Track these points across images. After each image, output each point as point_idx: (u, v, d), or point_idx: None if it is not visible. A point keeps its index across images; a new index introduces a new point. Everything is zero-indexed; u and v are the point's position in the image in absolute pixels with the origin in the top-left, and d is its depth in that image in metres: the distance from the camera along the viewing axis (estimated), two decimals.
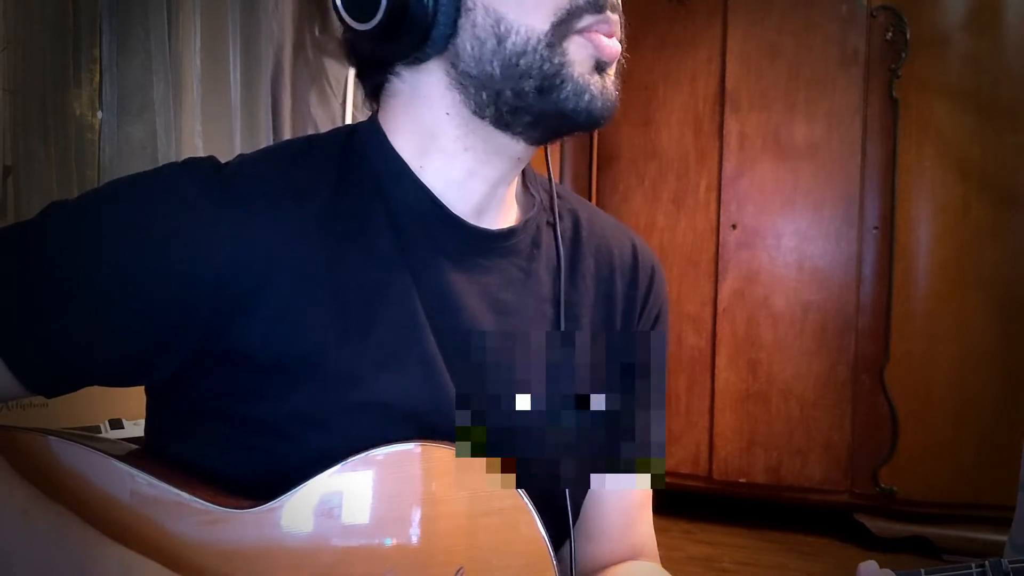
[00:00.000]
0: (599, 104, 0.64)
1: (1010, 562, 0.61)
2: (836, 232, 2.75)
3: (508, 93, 0.64)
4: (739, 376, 2.85)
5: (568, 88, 0.63)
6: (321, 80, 2.78)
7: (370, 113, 0.73)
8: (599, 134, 3.05)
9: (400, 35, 0.64)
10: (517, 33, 0.63)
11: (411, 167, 0.69)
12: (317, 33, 2.72)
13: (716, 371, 2.88)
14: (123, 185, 0.65)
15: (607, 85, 0.65)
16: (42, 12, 2.07)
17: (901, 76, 2.63)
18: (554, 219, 0.75)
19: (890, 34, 2.65)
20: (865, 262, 2.72)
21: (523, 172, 0.77)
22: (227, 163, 0.66)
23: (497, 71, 0.64)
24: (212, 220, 0.61)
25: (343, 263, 0.64)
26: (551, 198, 0.77)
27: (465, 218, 0.70)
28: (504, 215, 0.73)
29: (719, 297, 2.86)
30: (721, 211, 2.86)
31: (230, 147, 2.48)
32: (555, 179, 0.78)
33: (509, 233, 0.72)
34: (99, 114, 2.27)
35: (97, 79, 2.26)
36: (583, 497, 0.77)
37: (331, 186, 0.66)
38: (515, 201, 0.75)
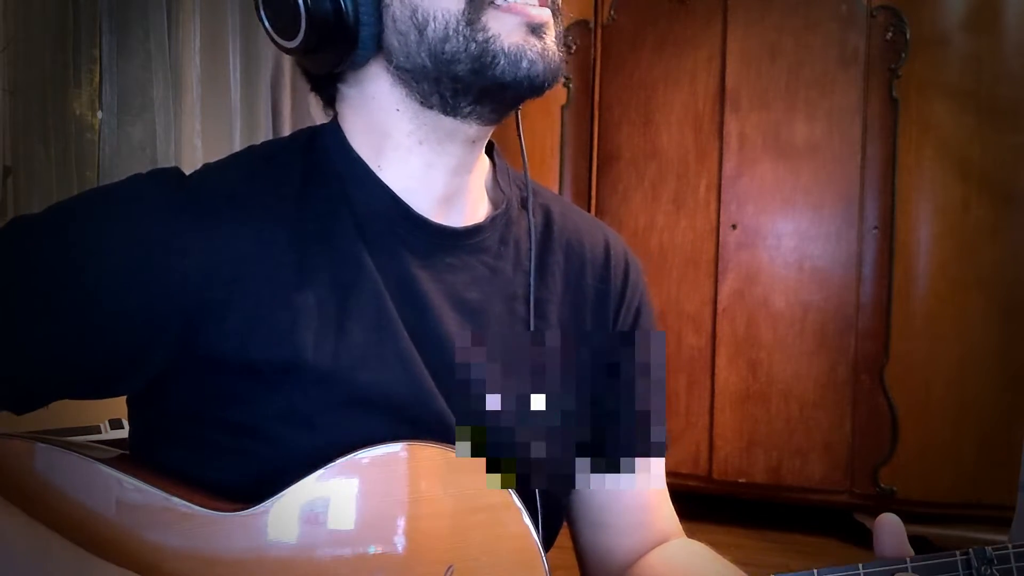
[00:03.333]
0: (540, 67, 0.63)
1: (994, 548, 0.62)
2: (836, 232, 2.74)
3: (446, 80, 0.64)
4: (739, 376, 2.85)
5: (501, 61, 0.62)
6: None
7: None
8: (599, 134, 3.04)
9: (329, 45, 0.64)
10: (435, 19, 0.62)
11: (371, 167, 0.69)
12: None
13: (716, 371, 2.87)
14: (88, 198, 0.65)
15: (547, 46, 0.64)
16: (42, 12, 2.07)
17: (901, 76, 2.63)
18: (529, 216, 0.75)
19: (890, 34, 2.65)
20: (865, 262, 2.72)
21: (495, 166, 0.77)
22: (191, 173, 0.67)
23: (428, 62, 0.64)
24: (178, 230, 0.62)
25: (312, 265, 0.65)
26: (524, 194, 0.76)
27: (431, 215, 0.69)
28: (473, 209, 0.73)
29: (719, 297, 2.86)
30: (721, 211, 2.85)
31: (230, 147, 2.48)
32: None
33: (475, 230, 0.71)
34: (99, 114, 2.27)
35: (97, 79, 2.26)
36: (566, 496, 0.76)
37: (296, 189, 0.67)
38: (486, 195, 0.75)
